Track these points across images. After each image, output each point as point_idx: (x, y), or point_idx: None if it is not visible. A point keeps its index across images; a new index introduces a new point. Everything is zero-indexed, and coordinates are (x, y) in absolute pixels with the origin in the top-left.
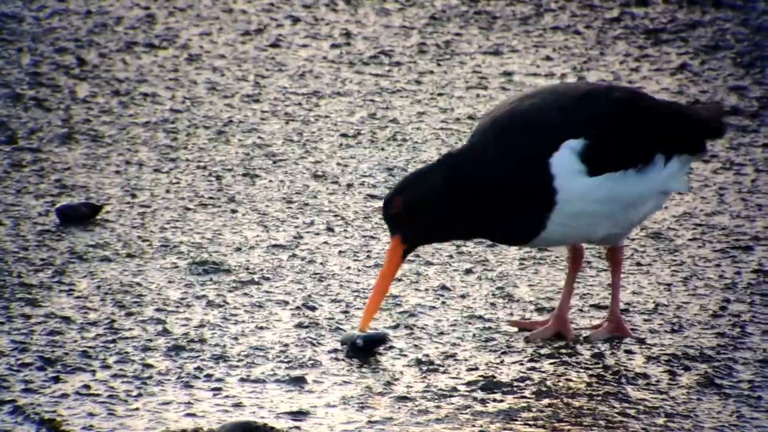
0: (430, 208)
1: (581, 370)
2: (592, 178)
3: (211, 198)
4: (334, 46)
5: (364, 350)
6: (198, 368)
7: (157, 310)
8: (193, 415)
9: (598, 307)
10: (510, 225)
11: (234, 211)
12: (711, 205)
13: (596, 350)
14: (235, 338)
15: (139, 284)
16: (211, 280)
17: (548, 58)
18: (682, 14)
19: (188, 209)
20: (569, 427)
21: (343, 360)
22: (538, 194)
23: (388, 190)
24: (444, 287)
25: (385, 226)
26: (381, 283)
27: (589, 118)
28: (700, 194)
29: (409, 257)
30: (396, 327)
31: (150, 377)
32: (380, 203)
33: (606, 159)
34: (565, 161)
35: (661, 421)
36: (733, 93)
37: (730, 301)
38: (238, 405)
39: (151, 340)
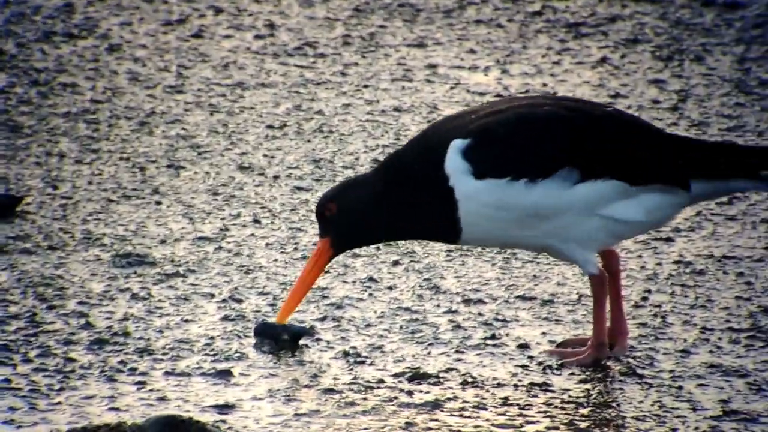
0: (366, 211)
1: (507, 361)
2: (478, 180)
3: (134, 190)
4: (257, 37)
5: (290, 343)
6: (122, 362)
7: (80, 303)
8: (116, 409)
9: (523, 298)
10: (433, 224)
11: (158, 203)
12: None
13: (522, 341)
14: (160, 331)
15: (60, 277)
16: (135, 272)
17: (472, 51)
18: (602, 8)
19: (111, 201)
20: (495, 417)
21: (270, 353)
22: (440, 192)
23: (315, 182)
24: (371, 279)
25: (312, 219)
26: (304, 281)
27: (485, 123)
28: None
29: None
30: (323, 319)
31: (72, 371)
32: (307, 195)
33: (489, 162)
34: (451, 160)
35: (584, 410)
36: (653, 86)
37: (652, 292)
38: (162, 399)
39: (73, 334)
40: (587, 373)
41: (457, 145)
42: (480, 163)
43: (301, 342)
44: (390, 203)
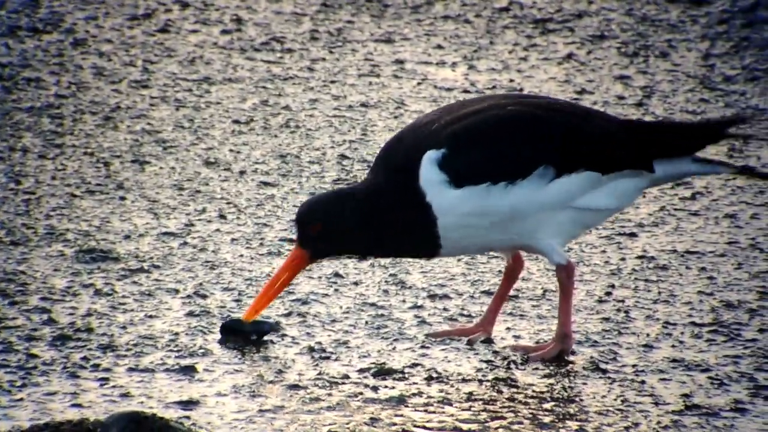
0: (349, 230)
1: (471, 356)
2: (457, 190)
3: (98, 185)
4: (224, 32)
5: (257, 341)
6: (84, 358)
7: (43, 298)
8: (79, 405)
9: (488, 293)
10: (413, 241)
11: (123, 198)
12: None
13: (486, 336)
14: (124, 327)
15: (23, 272)
16: (98, 268)
17: (439, 47)
18: (568, 4)
19: (75, 196)
20: (459, 412)
21: (234, 348)
22: (418, 209)
23: (281, 177)
24: (337, 275)
25: (279, 214)
26: (275, 285)
27: (455, 130)
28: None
29: None
30: (288, 315)
31: (35, 367)
32: (273, 190)
33: (466, 170)
34: (428, 172)
35: (548, 405)
36: (618, 82)
37: (615, 287)
38: (125, 395)
39: (35, 330)
40: (551, 368)
41: (431, 156)
42: (457, 172)
43: (267, 338)
44: (372, 223)
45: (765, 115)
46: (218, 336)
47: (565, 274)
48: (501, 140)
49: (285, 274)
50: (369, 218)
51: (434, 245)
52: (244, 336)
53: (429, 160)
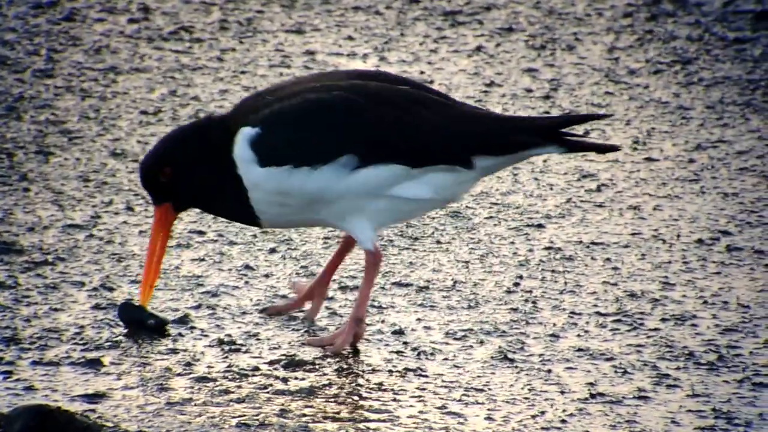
0: (198, 178)
1: (382, 347)
2: (262, 168)
3: (1, 176)
4: (131, 20)
5: (155, 330)
6: None
7: None
8: None
9: (399, 284)
10: (234, 207)
11: (27, 190)
12: (506, 184)
13: (397, 327)
14: (27, 320)
15: None
16: (1, 260)
17: (350, 38)
18: None
19: None
20: (369, 403)
21: (143, 341)
22: (231, 178)
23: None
24: (248, 267)
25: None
26: (157, 251)
27: (272, 111)
28: (496, 174)
29: (212, 237)
30: (198, 307)
31: None
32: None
33: (272, 152)
34: (240, 149)
35: (456, 394)
36: (526, 75)
37: (523, 278)
38: (30, 388)
39: None
40: (461, 357)
41: (245, 133)
42: (264, 153)
43: (173, 330)
44: (202, 175)
45: (604, 115)
46: (125, 329)
47: (372, 260)
48: (309, 125)
49: (159, 236)
50: (203, 169)
51: (252, 215)
52: (141, 323)
53: (243, 137)
